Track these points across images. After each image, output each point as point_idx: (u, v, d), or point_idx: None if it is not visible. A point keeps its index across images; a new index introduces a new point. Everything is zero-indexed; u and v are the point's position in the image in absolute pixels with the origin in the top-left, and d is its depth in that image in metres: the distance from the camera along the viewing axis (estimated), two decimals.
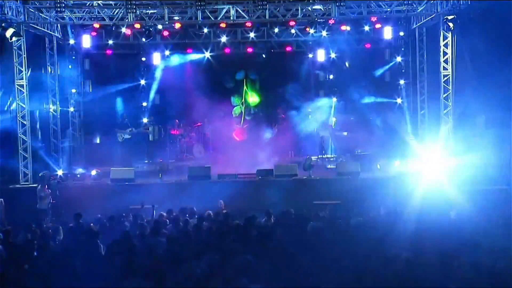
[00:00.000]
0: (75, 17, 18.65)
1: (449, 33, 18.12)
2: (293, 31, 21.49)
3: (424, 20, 19.22)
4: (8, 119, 18.35)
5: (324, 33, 21.16)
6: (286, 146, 21.03)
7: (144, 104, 22.52)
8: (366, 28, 21.23)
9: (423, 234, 11.14)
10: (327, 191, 17.12)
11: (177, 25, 19.40)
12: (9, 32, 16.62)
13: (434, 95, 19.72)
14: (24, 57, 18.00)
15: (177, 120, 21.94)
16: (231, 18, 18.76)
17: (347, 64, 22.54)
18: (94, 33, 20.39)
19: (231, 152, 20.01)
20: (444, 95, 18.46)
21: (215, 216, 13.44)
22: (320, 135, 21.26)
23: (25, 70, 18.02)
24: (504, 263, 9.05)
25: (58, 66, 20.36)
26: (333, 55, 22.17)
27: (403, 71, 21.65)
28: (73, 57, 21.50)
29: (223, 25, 19.84)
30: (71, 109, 21.46)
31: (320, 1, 18.61)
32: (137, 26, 19.51)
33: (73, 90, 21.55)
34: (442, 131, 18.39)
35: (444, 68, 18.43)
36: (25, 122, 18.12)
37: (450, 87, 18.42)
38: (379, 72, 21.66)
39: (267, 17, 18.52)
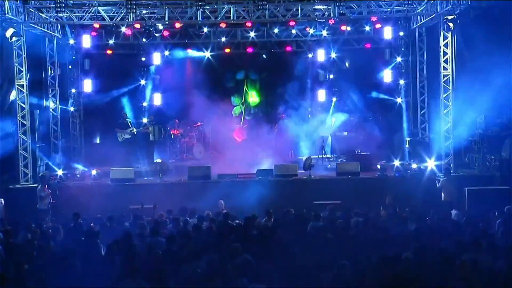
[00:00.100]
0: (75, 17, 18.63)
1: (449, 33, 18.11)
2: (293, 31, 21.47)
3: (424, 20, 19.21)
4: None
5: (324, 32, 21.16)
6: (286, 146, 21.02)
7: (144, 104, 22.51)
8: (366, 28, 21.21)
9: (423, 234, 11.16)
10: (327, 191, 17.13)
11: (177, 25, 19.39)
12: (9, 32, 16.61)
13: (434, 95, 19.73)
14: (24, 57, 17.99)
15: (177, 120, 21.94)
16: (231, 18, 18.76)
17: (347, 64, 22.54)
18: (94, 33, 20.36)
19: (231, 152, 20.01)
20: (444, 95, 18.45)
21: (215, 216, 13.45)
22: (320, 135, 21.27)
23: (25, 70, 18.01)
24: (504, 263, 9.06)
25: (58, 66, 20.34)
26: (333, 55, 22.15)
27: (403, 71, 21.64)
28: (73, 57, 21.50)
29: (223, 25, 19.82)
30: (71, 109, 21.46)
31: (320, 1, 18.61)
32: (137, 26, 19.50)
33: (73, 90, 21.55)
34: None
35: (444, 68, 18.41)
36: (25, 122, 18.11)
37: (450, 87, 18.42)
38: (381, 74, 21.61)
39: (267, 17, 18.51)
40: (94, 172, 18.45)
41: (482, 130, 18.29)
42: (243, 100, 22.66)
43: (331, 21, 19.51)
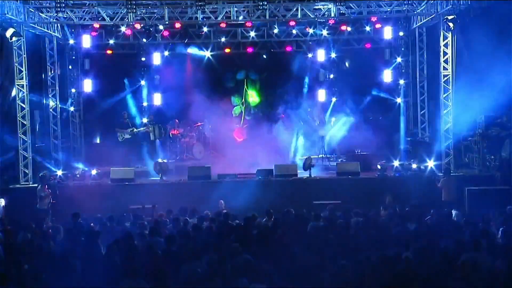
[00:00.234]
0: (75, 17, 18.63)
1: (449, 33, 18.11)
2: (294, 31, 21.47)
3: (424, 20, 19.21)
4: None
5: (324, 32, 21.15)
6: (286, 146, 21.03)
7: (144, 104, 22.51)
8: (367, 28, 21.21)
9: (423, 234, 11.16)
10: (327, 191, 17.13)
11: (177, 25, 19.39)
12: (9, 32, 16.60)
13: (434, 95, 19.73)
14: (24, 57, 17.98)
15: (177, 120, 21.94)
16: (231, 18, 18.77)
17: (347, 64, 22.54)
18: (94, 33, 20.38)
19: (231, 152, 20.02)
20: (444, 95, 18.45)
21: (215, 216, 13.45)
22: (320, 135, 21.27)
23: (25, 70, 18.01)
24: (504, 263, 9.06)
25: (58, 66, 20.34)
26: (333, 55, 22.15)
27: (403, 71, 21.64)
28: (73, 57, 21.50)
29: (223, 25, 19.83)
30: (71, 108, 21.46)
31: (320, 1, 18.62)
32: (137, 26, 19.50)
33: (73, 90, 21.55)
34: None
35: (444, 68, 18.42)
36: (25, 122, 18.11)
37: (450, 87, 18.42)
38: (381, 74, 21.62)
39: (267, 17, 18.52)
40: (94, 172, 18.46)
41: (482, 130, 18.28)
42: (243, 100, 22.66)
43: (331, 21, 19.55)
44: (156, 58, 21.74)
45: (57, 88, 20.22)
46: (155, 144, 21.19)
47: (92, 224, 12.86)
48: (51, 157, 19.59)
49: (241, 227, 11.92)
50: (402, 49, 21.59)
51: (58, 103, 20.22)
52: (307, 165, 18.42)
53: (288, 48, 22.29)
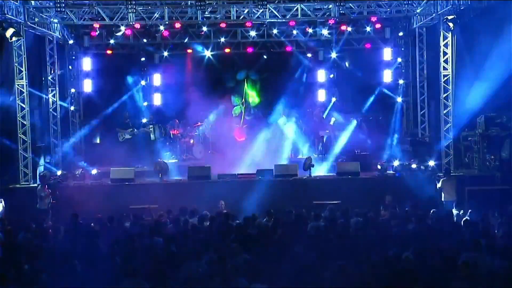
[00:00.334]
0: (75, 17, 18.63)
1: (449, 33, 18.12)
2: (294, 31, 21.46)
3: (424, 20, 19.21)
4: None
5: (325, 31, 21.13)
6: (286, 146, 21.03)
7: (145, 104, 22.50)
8: (367, 28, 21.19)
9: (423, 234, 11.16)
10: (327, 191, 17.13)
11: (177, 25, 19.39)
12: (9, 32, 16.59)
13: (434, 95, 19.73)
14: (24, 57, 17.98)
15: (177, 120, 21.93)
16: (231, 18, 18.76)
17: (347, 64, 22.52)
18: (94, 33, 20.38)
19: (231, 152, 20.01)
20: (444, 95, 18.46)
21: (215, 216, 13.45)
22: (320, 135, 21.26)
23: (25, 70, 18.00)
24: (504, 263, 9.06)
25: (58, 66, 20.33)
26: (333, 55, 22.15)
27: (403, 71, 21.63)
28: (73, 57, 21.49)
29: (223, 25, 19.83)
30: (72, 108, 21.45)
31: (320, 1, 18.61)
32: (137, 26, 19.50)
33: (73, 90, 21.54)
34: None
35: (444, 68, 18.42)
36: (25, 122, 18.11)
37: (450, 87, 18.42)
38: (381, 74, 21.62)
39: (267, 17, 18.52)
40: (94, 172, 18.45)
41: (482, 130, 18.28)
42: (243, 100, 22.64)
43: (331, 21, 19.53)
44: (156, 58, 21.72)
45: (57, 88, 20.20)
46: (155, 144, 21.17)
47: (92, 224, 12.85)
48: (51, 157, 19.61)
49: (241, 227, 11.92)
50: (402, 49, 21.59)
51: (58, 103, 20.22)
52: (307, 165, 18.42)
53: (288, 48, 22.27)
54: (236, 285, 8.35)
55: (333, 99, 22.35)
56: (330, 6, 18.42)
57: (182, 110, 21.89)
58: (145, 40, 20.87)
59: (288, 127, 21.24)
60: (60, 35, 20.16)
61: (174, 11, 18.66)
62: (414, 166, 18.30)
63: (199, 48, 21.98)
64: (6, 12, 16.41)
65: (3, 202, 16.04)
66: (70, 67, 21.41)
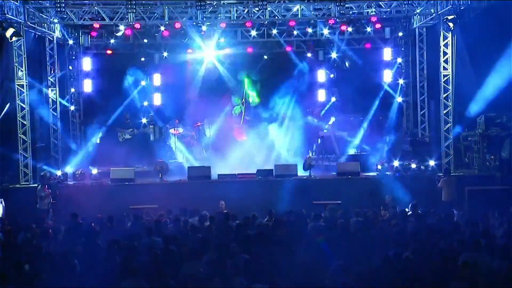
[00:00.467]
0: (75, 17, 18.63)
1: (449, 33, 18.13)
2: (294, 32, 21.46)
3: (424, 20, 19.22)
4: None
5: (325, 31, 21.12)
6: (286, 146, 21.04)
7: (145, 103, 22.50)
8: (367, 28, 21.19)
9: (423, 234, 11.16)
10: (327, 191, 17.13)
11: (177, 25, 19.39)
12: (9, 32, 16.59)
13: (434, 95, 19.73)
14: (24, 57, 17.98)
15: (177, 120, 21.93)
16: (231, 18, 18.76)
17: (347, 64, 22.52)
18: (94, 33, 20.37)
19: (231, 152, 20.02)
20: (444, 95, 18.46)
21: (215, 216, 13.45)
22: (320, 135, 21.26)
23: (25, 70, 18.00)
24: (504, 263, 9.06)
25: (58, 66, 20.33)
26: (333, 55, 22.16)
27: (403, 71, 21.63)
28: (73, 57, 21.49)
29: (223, 25, 19.83)
30: (72, 108, 21.44)
31: (320, 1, 18.61)
32: (137, 26, 19.50)
33: (73, 90, 21.54)
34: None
35: (444, 68, 18.43)
36: (25, 122, 18.11)
37: (450, 87, 18.43)
38: (381, 74, 21.62)
39: (267, 17, 18.52)
40: (94, 172, 18.45)
41: (482, 130, 18.28)
42: (243, 100, 22.64)
43: (331, 21, 19.53)
44: (156, 58, 21.73)
45: (57, 88, 20.19)
46: (155, 144, 21.17)
47: (92, 223, 12.85)
48: (51, 157, 19.60)
49: (241, 227, 11.92)
50: (402, 49, 21.57)
51: (58, 103, 20.21)
52: (307, 165, 18.42)
53: (288, 48, 22.28)
54: (236, 285, 8.35)
55: (333, 99, 22.36)
56: (330, 6, 18.42)
57: (182, 110, 21.89)
58: (145, 40, 20.86)
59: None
60: (60, 35, 20.16)
61: (174, 11, 18.66)
62: (414, 166, 18.30)
63: (199, 48, 21.97)
64: (6, 12, 16.41)
65: (3, 202, 16.04)
66: (70, 67, 21.41)
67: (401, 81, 21.61)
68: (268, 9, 18.05)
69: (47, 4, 18.08)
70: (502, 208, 13.51)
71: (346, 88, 22.19)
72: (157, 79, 22.22)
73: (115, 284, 8.61)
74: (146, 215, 14.29)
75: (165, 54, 22.06)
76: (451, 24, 17.26)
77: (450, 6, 17.19)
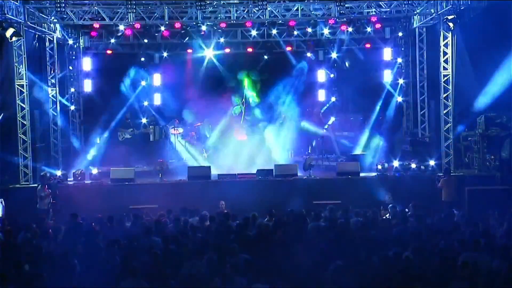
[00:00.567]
0: (75, 17, 18.63)
1: (449, 33, 18.13)
2: (294, 32, 21.45)
3: (424, 20, 19.22)
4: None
5: (325, 31, 21.12)
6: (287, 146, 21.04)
7: (145, 103, 22.51)
8: (367, 28, 21.19)
9: (423, 234, 11.16)
10: (327, 191, 17.13)
11: (177, 25, 19.39)
12: (9, 32, 16.59)
13: (434, 95, 19.73)
14: (24, 57, 17.99)
15: (177, 120, 21.93)
16: (231, 18, 18.77)
17: (347, 64, 22.54)
18: (94, 33, 20.37)
19: (231, 152, 20.01)
20: (444, 95, 18.47)
21: (215, 216, 13.44)
22: (320, 135, 21.27)
23: (25, 70, 18.00)
24: (504, 263, 9.06)
25: (58, 66, 20.33)
26: (333, 55, 22.17)
27: (403, 71, 21.64)
28: (73, 57, 21.50)
29: (223, 25, 19.84)
30: (72, 107, 21.45)
31: (320, 1, 18.62)
32: (137, 26, 19.51)
33: (73, 90, 21.54)
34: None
35: (444, 68, 18.43)
36: (25, 122, 18.11)
37: (450, 87, 18.43)
38: (381, 74, 21.63)
39: (267, 17, 18.53)
40: (94, 171, 18.45)
41: (482, 130, 18.28)
42: (243, 100, 22.64)
43: (331, 21, 19.54)
44: (156, 58, 21.72)
45: (57, 88, 20.20)
46: (155, 144, 21.18)
47: (92, 224, 12.86)
48: (51, 157, 19.60)
49: (241, 227, 11.92)
50: (402, 49, 21.59)
51: (58, 103, 20.22)
52: (307, 165, 18.43)
53: (288, 48, 22.29)
54: (236, 285, 8.35)
55: (333, 99, 22.37)
56: (330, 6, 18.43)
57: (182, 110, 21.90)
58: (145, 40, 20.88)
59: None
60: (60, 35, 20.17)
61: (174, 11, 18.67)
62: (414, 166, 18.30)
63: (199, 48, 21.97)
64: (6, 12, 16.42)
65: (3, 202, 16.04)
66: (70, 67, 21.43)
67: (401, 81, 21.63)
68: (268, 9, 18.06)
69: (47, 4, 18.08)
70: (502, 208, 13.50)
71: (346, 88, 22.24)
72: (157, 79, 22.24)
73: (115, 284, 8.62)
74: (146, 215, 14.29)
75: (165, 54, 22.08)
76: (451, 24, 17.27)
77: (450, 6, 17.19)
